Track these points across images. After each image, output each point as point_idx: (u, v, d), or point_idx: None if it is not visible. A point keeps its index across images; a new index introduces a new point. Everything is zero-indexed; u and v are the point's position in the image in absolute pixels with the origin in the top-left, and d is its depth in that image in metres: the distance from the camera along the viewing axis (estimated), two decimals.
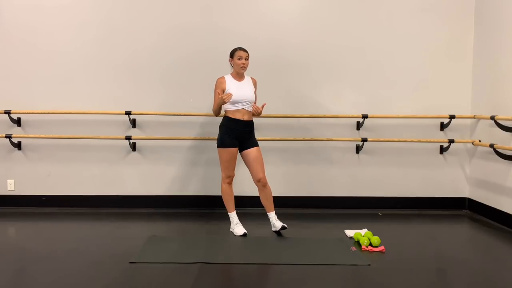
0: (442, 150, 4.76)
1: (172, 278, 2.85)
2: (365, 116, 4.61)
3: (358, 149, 4.71)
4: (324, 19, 4.64)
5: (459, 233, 4.08)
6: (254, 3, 4.61)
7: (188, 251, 3.32)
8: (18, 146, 4.56)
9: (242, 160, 3.88)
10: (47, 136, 4.48)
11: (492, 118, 4.23)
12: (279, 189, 4.65)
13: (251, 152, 3.77)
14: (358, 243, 3.56)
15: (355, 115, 4.63)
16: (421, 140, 4.67)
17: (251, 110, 3.77)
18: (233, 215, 3.86)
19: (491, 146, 4.24)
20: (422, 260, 3.24)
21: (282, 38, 4.61)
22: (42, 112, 4.49)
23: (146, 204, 4.66)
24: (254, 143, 3.81)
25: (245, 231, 3.75)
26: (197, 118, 4.61)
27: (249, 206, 4.38)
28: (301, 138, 4.62)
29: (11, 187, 4.61)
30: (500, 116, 4.18)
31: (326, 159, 4.72)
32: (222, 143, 3.75)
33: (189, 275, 2.88)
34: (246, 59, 3.74)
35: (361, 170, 4.76)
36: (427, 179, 4.79)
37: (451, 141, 4.66)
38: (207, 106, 4.60)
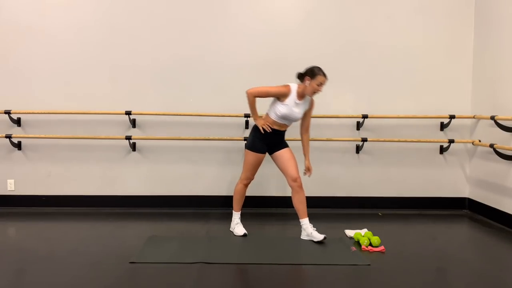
0: (442, 150, 4.77)
1: (172, 278, 2.85)
2: (365, 116, 4.61)
3: (358, 149, 4.71)
4: (324, 19, 4.64)
5: (459, 233, 4.08)
6: (256, 3, 4.61)
7: (188, 251, 3.32)
8: (18, 146, 4.56)
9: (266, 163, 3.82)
10: (47, 136, 4.48)
11: (492, 118, 4.23)
12: (279, 189, 4.65)
13: (284, 152, 3.67)
14: (358, 243, 3.56)
15: (355, 115, 4.63)
16: (421, 140, 4.67)
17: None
18: (236, 215, 3.85)
19: (491, 146, 4.24)
20: (422, 260, 3.24)
21: (282, 38, 4.61)
22: (42, 112, 4.49)
23: (146, 204, 4.66)
24: (285, 144, 3.72)
25: (245, 231, 3.74)
26: (197, 118, 4.61)
27: (251, 206, 4.38)
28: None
29: (11, 187, 4.61)
30: (500, 116, 4.18)
31: (326, 159, 4.72)
32: (252, 146, 3.65)
33: (189, 275, 2.88)
34: (323, 85, 3.53)
35: (361, 170, 4.77)
36: (427, 179, 4.79)
37: (451, 141, 4.67)
38: (207, 106, 4.60)
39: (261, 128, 3.59)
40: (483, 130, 4.55)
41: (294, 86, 3.57)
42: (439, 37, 4.70)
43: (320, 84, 3.49)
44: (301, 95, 3.56)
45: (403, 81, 4.71)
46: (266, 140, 3.65)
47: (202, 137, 4.57)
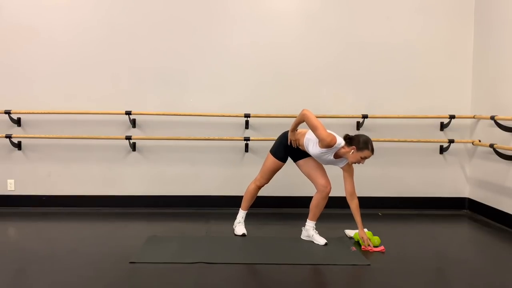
0: (442, 150, 4.77)
1: (172, 278, 2.85)
2: (365, 116, 4.61)
3: None
4: (324, 19, 4.64)
5: (459, 233, 4.08)
6: (255, 4, 4.60)
7: (188, 251, 3.32)
8: (18, 146, 4.56)
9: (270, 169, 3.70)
10: (47, 136, 4.48)
11: (492, 118, 4.23)
12: (279, 189, 4.65)
13: (309, 160, 3.57)
14: (358, 243, 3.56)
15: (355, 115, 4.63)
16: (421, 140, 4.67)
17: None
18: (241, 213, 3.82)
19: (491, 146, 4.24)
20: (422, 260, 3.24)
21: (282, 38, 4.61)
22: (42, 112, 4.49)
23: (146, 204, 4.66)
24: (306, 154, 3.59)
25: (245, 232, 3.74)
26: (197, 118, 4.61)
27: (251, 206, 4.37)
28: None
29: (11, 187, 4.61)
30: (500, 116, 4.18)
31: None
32: (276, 152, 3.61)
33: (189, 275, 2.88)
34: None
35: (361, 170, 4.74)
36: (427, 179, 4.79)
37: (451, 141, 4.67)
38: (207, 106, 4.60)
39: (288, 141, 3.55)
40: (483, 130, 4.55)
41: (340, 143, 3.34)
42: (439, 37, 4.70)
43: (365, 158, 3.33)
44: (338, 155, 3.41)
45: (403, 81, 4.71)
46: (290, 150, 3.59)
47: (202, 137, 4.57)
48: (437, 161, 4.79)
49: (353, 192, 3.54)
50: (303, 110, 3.39)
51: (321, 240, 3.53)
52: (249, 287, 2.82)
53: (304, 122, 3.38)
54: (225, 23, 4.59)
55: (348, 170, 3.51)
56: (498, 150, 4.20)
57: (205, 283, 2.78)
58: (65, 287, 2.71)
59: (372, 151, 3.33)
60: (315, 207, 3.58)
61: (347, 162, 3.47)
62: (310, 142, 3.43)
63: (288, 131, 3.58)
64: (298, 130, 3.58)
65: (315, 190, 4.71)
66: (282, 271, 3.00)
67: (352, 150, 3.31)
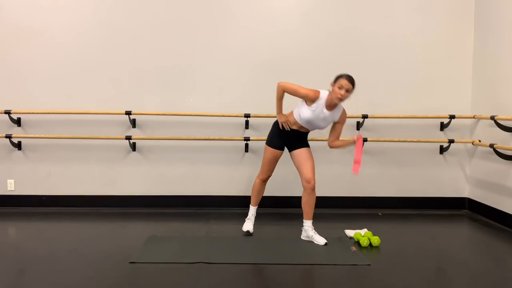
0: (442, 150, 4.77)
1: (172, 278, 2.85)
2: (365, 116, 4.61)
3: None
4: (324, 18, 4.64)
5: (459, 233, 4.08)
6: (254, 4, 4.61)
7: (188, 251, 3.32)
8: (18, 146, 4.56)
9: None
10: (47, 136, 4.48)
11: (492, 118, 4.24)
12: (279, 189, 4.65)
13: (302, 152, 3.58)
14: (358, 243, 3.56)
15: (355, 115, 4.63)
16: (421, 140, 4.67)
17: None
18: (251, 209, 3.84)
19: (491, 146, 4.24)
20: (422, 260, 3.25)
21: (282, 38, 4.61)
22: (42, 112, 4.49)
23: (146, 204, 4.66)
24: (305, 144, 3.63)
25: (249, 229, 3.74)
26: (197, 118, 4.61)
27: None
28: None
29: (11, 187, 4.61)
30: (500, 116, 4.18)
31: (326, 159, 4.72)
32: (270, 141, 3.63)
33: (189, 275, 2.88)
34: (348, 91, 3.29)
35: (361, 170, 4.75)
36: (427, 179, 4.79)
37: (451, 141, 4.67)
38: (207, 106, 4.60)
39: (280, 125, 3.57)
40: (483, 130, 4.56)
41: (325, 93, 3.41)
42: (439, 37, 4.70)
43: (341, 87, 3.27)
44: (330, 105, 3.41)
45: (403, 81, 4.71)
46: (283, 136, 3.59)
47: (202, 137, 4.57)
48: (437, 161, 4.79)
49: (337, 138, 3.62)
50: (278, 83, 3.45)
51: (321, 240, 3.53)
52: (249, 287, 2.82)
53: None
54: (225, 23, 4.59)
55: (340, 126, 3.58)
56: (498, 150, 4.20)
57: (205, 283, 2.79)
58: (65, 287, 2.71)
59: (347, 78, 3.29)
60: (306, 206, 3.58)
61: (339, 115, 3.51)
62: (300, 111, 3.47)
63: (277, 121, 3.60)
64: (286, 114, 3.60)
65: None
66: (282, 271, 3.00)
67: (331, 87, 3.36)
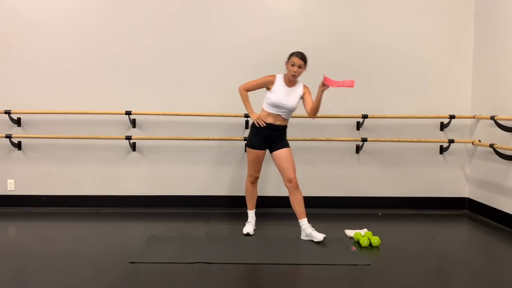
0: (442, 150, 4.77)
1: (172, 278, 2.85)
2: (365, 116, 4.61)
3: (358, 149, 4.71)
4: (324, 19, 4.64)
5: (459, 233, 4.08)
6: (255, 4, 4.61)
7: (188, 251, 3.32)
8: (18, 146, 4.56)
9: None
10: (47, 136, 4.48)
11: (492, 118, 4.24)
12: (279, 189, 4.65)
13: (282, 153, 3.65)
14: (358, 243, 3.56)
15: (355, 115, 4.63)
16: (421, 140, 4.67)
17: (287, 118, 3.70)
18: (249, 213, 3.90)
19: (491, 146, 4.24)
20: (422, 260, 3.25)
21: (281, 38, 4.61)
22: (42, 112, 4.49)
23: (146, 204, 4.66)
24: (285, 144, 3.69)
25: (249, 231, 3.75)
26: (197, 118, 4.61)
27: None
28: (301, 138, 4.62)
29: (11, 187, 4.61)
30: (500, 116, 4.18)
31: (326, 159, 4.72)
32: (250, 143, 3.70)
33: (189, 275, 2.88)
34: (300, 67, 3.51)
35: (361, 170, 4.77)
36: (427, 179, 4.79)
37: (451, 141, 4.67)
38: (207, 106, 4.60)
39: (256, 122, 3.62)
40: (483, 130, 4.56)
41: (280, 75, 3.65)
42: (439, 37, 4.70)
43: (293, 64, 3.48)
44: (289, 82, 3.60)
45: (403, 81, 4.71)
46: (261, 135, 3.64)
47: (202, 137, 4.57)
48: (437, 161, 4.79)
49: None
50: (238, 88, 3.74)
51: (319, 236, 3.53)
52: (249, 287, 2.82)
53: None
54: (225, 22, 4.59)
55: (308, 96, 3.66)
56: (498, 150, 4.20)
57: (205, 283, 2.79)
58: (65, 287, 2.71)
59: (297, 55, 3.50)
60: (296, 205, 3.64)
61: (301, 88, 3.64)
62: (266, 99, 3.64)
63: (253, 122, 3.70)
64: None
65: (315, 190, 4.75)
66: (282, 271, 3.00)
67: (286, 65, 3.58)
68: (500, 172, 4.26)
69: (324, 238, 3.51)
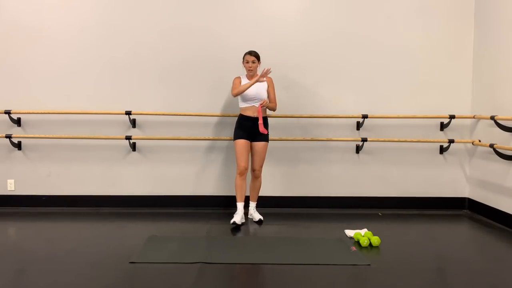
0: (442, 150, 4.77)
1: (172, 278, 2.85)
2: (365, 116, 4.61)
3: (358, 149, 4.71)
4: (324, 19, 4.64)
5: (459, 233, 4.08)
6: (254, 3, 4.61)
7: (188, 251, 3.32)
8: (18, 146, 4.56)
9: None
10: (47, 136, 4.48)
11: (492, 118, 4.23)
12: (279, 189, 4.66)
13: (257, 145, 4.11)
14: (358, 243, 3.56)
15: (355, 115, 4.63)
16: (421, 140, 4.67)
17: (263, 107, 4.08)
18: (238, 205, 4.10)
19: (491, 146, 4.24)
20: (422, 260, 3.24)
21: (281, 38, 4.61)
22: (42, 112, 4.49)
23: (146, 204, 4.66)
24: (264, 138, 4.10)
25: (236, 221, 3.93)
26: (197, 118, 4.61)
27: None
28: (301, 138, 4.62)
29: (11, 187, 4.61)
30: (500, 116, 4.18)
31: (326, 159, 4.72)
32: (235, 136, 4.12)
33: (189, 275, 2.88)
34: (253, 62, 4.05)
35: (361, 170, 4.76)
36: (427, 179, 4.79)
37: (451, 141, 4.67)
38: (207, 106, 4.60)
39: (263, 75, 3.91)
40: (483, 130, 4.55)
41: (243, 74, 4.20)
42: (439, 37, 4.70)
43: (247, 62, 4.06)
44: (250, 77, 4.11)
45: (403, 81, 4.71)
46: (244, 127, 4.07)
47: (202, 137, 4.57)
48: (437, 161, 4.79)
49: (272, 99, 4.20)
50: (232, 94, 4.14)
51: (257, 217, 4.11)
52: (249, 287, 2.82)
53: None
54: (225, 23, 4.59)
55: (270, 89, 4.18)
56: (498, 150, 4.20)
57: (205, 283, 2.78)
58: (65, 287, 2.71)
59: (248, 53, 4.07)
60: (252, 190, 4.24)
61: (264, 78, 4.01)
62: (240, 97, 4.10)
63: (237, 119, 4.17)
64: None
65: (315, 190, 4.75)
66: (282, 271, 3.00)
67: (243, 64, 4.13)
68: (500, 172, 4.26)
69: (260, 219, 4.06)
